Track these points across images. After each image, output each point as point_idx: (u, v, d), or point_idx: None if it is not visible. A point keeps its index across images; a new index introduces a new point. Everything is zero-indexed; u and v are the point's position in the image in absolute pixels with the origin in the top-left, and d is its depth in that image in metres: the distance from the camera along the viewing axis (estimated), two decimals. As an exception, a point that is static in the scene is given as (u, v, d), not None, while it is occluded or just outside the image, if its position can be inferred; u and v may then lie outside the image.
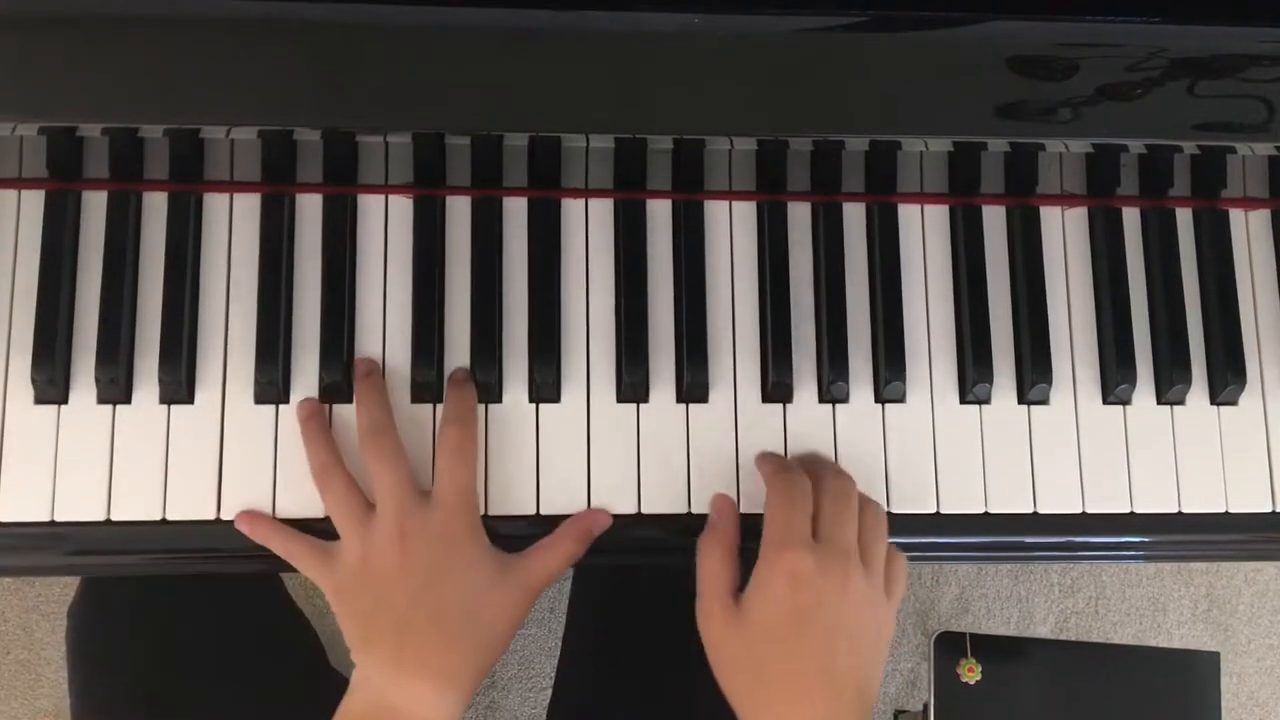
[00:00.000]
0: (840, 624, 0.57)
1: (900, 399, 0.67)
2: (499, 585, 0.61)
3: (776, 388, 0.66)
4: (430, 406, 0.65)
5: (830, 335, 0.67)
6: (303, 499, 0.63)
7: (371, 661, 0.59)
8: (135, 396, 0.64)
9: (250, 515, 0.63)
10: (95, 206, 0.66)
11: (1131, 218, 0.71)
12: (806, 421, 0.67)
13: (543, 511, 0.64)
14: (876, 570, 0.60)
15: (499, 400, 0.66)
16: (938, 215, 0.70)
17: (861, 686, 0.58)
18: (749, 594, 0.58)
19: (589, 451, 0.65)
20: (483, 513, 0.64)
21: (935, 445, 0.67)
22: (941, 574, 1.49)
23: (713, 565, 0.60)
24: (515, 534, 0.64)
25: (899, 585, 0.62)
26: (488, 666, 0.61)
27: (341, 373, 0.64)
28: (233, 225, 0.66)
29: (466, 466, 0.61)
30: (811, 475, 0.61)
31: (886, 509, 0.66)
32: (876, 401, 0.67)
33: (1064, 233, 0.70)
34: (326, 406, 0.64)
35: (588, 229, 0.68)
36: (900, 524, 0.66)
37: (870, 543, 0.60)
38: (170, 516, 0.63)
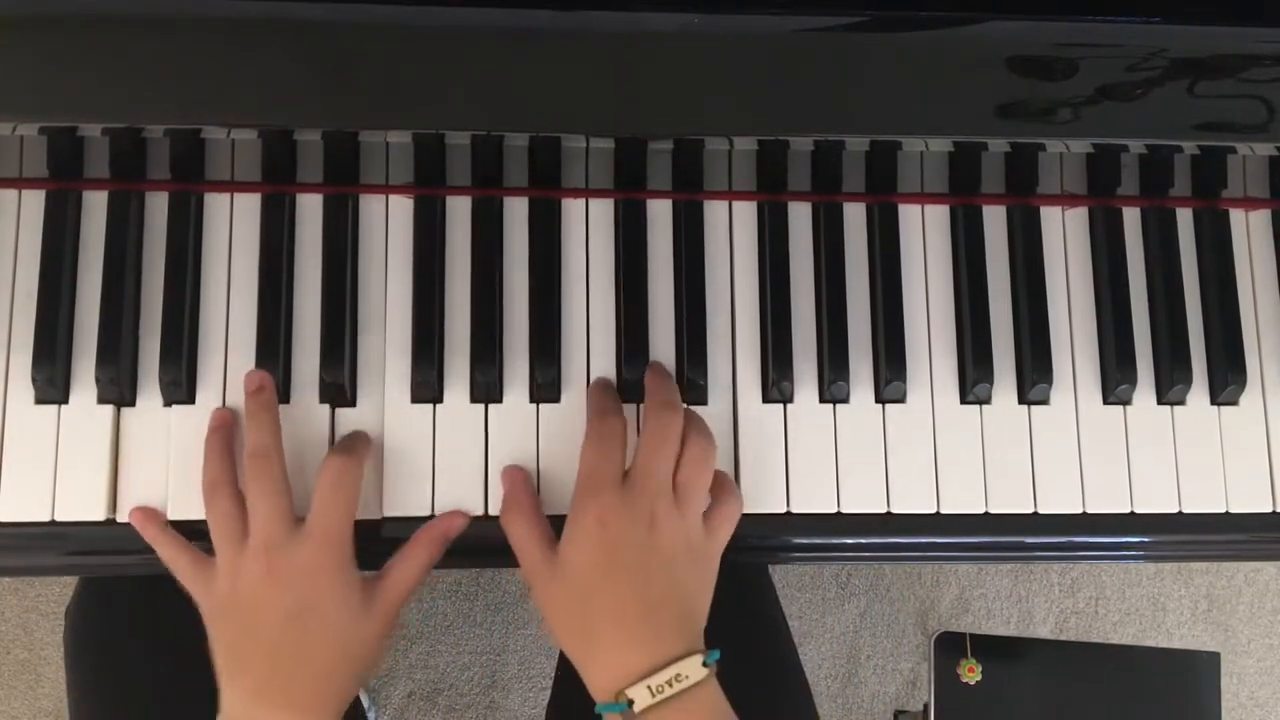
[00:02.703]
0: (652, 558, 0.58)
1: (901, 399, 0.67)
2: (366, 615, 0.61)
3: (776, 387, 0.66)
4: (430, 407, 0.65)
5: (830, 335, 0.67)
6: (303, 499, 0.64)
7: (236, 692, 0.59)
8: (136, 396, 0.64)
9: (143, 513, 0.62)
10: (95, 206, 0.66)
11: (1132, 218, 0.71)
12: (806, 421, 0.67)
13: (544, 511, 0.64)
14: (691, 507, 0.60)
15: (499, 400, 0.66)
16: (938, 215, 0.70)
17: (682, 617, 0.58)
18: (563, 543, 0.59)
19: (589, 451, 0.65)
20: (485, 513, 0.64)
21: (935, 445, 0.67)
22: (941, 574, 1.49)
23: (516, 530, 0.61)
24: (515, 534, 0.64)
25: (724, 527, 0.61)
26: (355, 690, 0.62)
27: (344, 374, 0.64)
28: (233, 225, 0.66)
29: (343, 500, 0.60)
30: (649, 403, 0.62)
31: (887, 509, 0.66)
32: (877, 401, 0.67)
33: (1064, 233, 0.70)
34: (233, 421, 0.63)
35: (588, 229, 0.68)
36: (901, 524, 0.66)
37: (688, 480, 0.60)
38: (171, 516, 0.63)
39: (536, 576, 0.60)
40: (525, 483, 0.64)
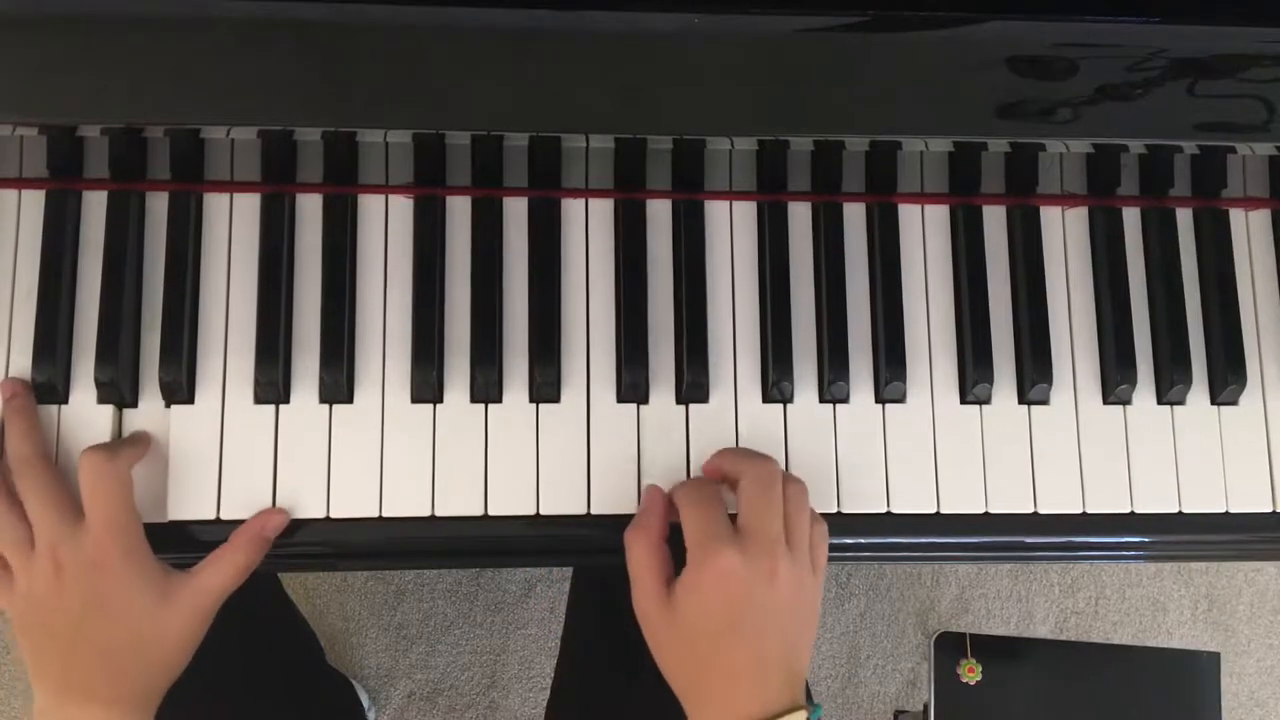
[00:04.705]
0: (772, 614, 0.58)
1: (900, 399, 0.67)
2: (164, 607, 0.60)
3: (776, 388, 0.66)
4: (430, 407, 0.65)
5: (830, 335, 0.67)
6: (308, 499, 0.64)
7: (44, 689, 0.60)
8: (136, 397, 0.64)
9: None
10: (95, 206, 0.66)
11: (1132, 217, 0.71)
12: (806, 421, 0.67)
13: (542, 511, 0.64)
14: (802, 549, 0.60)
15: (499, 400, 0.66)
16: (938, 215, 0.70)
17: (790, 667, 0.58)
18: (680, 592, 0.58)
19: (589, 452, 0.65)
20: (484, 513, 0.64)
21: (935, 445, 0.67)
22: (941, 574, 1.49)
23: (639, 556, 0.60)
24: (514, 534, 0.64)
25: (822, 555, 0.61)
26: (166, 682, 0.62)
27: (343, 374, 0.64)
28: (233, 225, 0.66)
29: (110, 493, 0.60)
30: (736, 466, 0.62)
31: (887, 509, 0.66)
32: (877, 401, 0.67)
33: (1064, 233, 0.70)
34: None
35: (588, 229, 0.68)
36: (900, 524, 0.66)
37: (795, 525, 0.60)
38: (171, 516, 0.63)
39: (648, 611, 0.59)
40: (661, 509, 0.62)
